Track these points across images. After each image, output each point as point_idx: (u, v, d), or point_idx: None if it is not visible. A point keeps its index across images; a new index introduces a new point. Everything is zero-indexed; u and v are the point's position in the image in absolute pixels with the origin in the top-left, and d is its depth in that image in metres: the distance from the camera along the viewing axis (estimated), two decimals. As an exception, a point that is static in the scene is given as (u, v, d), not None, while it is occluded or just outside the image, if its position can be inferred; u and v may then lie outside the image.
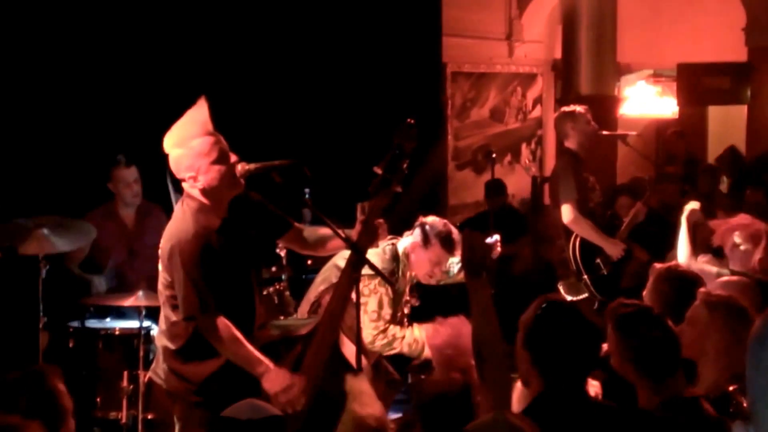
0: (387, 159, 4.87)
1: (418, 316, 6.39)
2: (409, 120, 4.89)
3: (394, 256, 6.09)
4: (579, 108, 7.73)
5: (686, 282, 5.03)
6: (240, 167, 4.93)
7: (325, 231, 5.16)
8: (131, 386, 6.61)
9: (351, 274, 4.89)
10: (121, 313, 6.91)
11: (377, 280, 5.92)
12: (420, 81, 10.19)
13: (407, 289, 6.31)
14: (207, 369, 4.90)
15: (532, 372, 3.65)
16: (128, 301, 6.68)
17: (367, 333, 5.88)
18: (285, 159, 5.12)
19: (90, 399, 6.75)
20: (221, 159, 4.80)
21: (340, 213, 5.40)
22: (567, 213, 7.45)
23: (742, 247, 6.14)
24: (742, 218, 6.39)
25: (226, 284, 4.80)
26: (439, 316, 5.23)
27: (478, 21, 11.43)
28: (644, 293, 5.21)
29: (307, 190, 6.47)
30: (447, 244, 6.08)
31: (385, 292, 6.02)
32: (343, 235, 5.00)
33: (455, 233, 6.14)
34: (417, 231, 6.16)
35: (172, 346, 4.96)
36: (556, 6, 11.54)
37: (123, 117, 7.70)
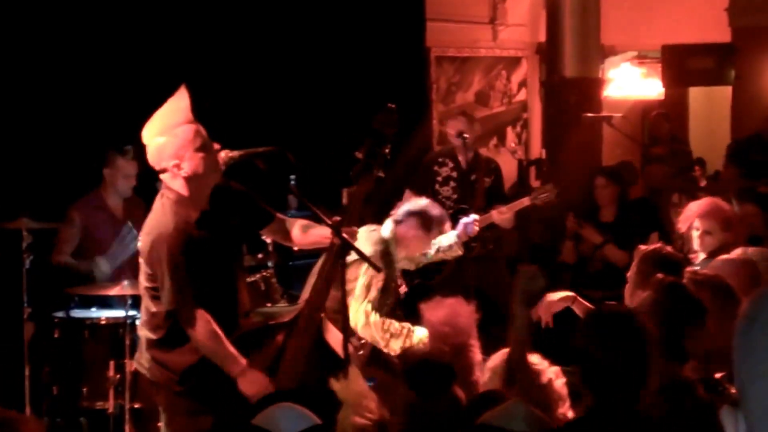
0: (368, 144, 4.86)
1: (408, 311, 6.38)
2: (389, 105, 4.87)
3: (381, 240, 6.08)
4: None
5: (671, 263, 5.02)
6: (224, 154, 4.94)
7: (306, 222, 5.14)
8: (118, 376, 6.59)
9: (335, 261, 4.88)
10: (106, 303, 6.89)
11: (365, 266, 5.90)
12: (404, 66, 10.17)
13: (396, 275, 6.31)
14: (189, 358, 4.89)
15: (583, 387, 3.53)
16: (113, 291, 6.66)
17: (354, 317, 5.86)
18: (269, 146, 5.11)
19: (76, 389, 6.73)
20: (204, 147, 4.80)
21: (325, 199, 5.38)
22: None
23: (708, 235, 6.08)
24: (705, 203, 6.31)
25: (207, 276, 4.79)
26: (438, 295, 5.25)
27: (462, 5, 11.40)
28: (628, 275, 5.20)
29: (292, 177, 6.47)
30: (425, 220, 6.17)
31: (375, 276, 6.00)
32: (328, 221, 5.00)
33: (434, 206, 6.28)
34: (409, 217, 6.20)
35: (153, 337, 4.96)
36: (540, -12, 11.52)
37: (103, 108, 7.68)
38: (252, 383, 4.69)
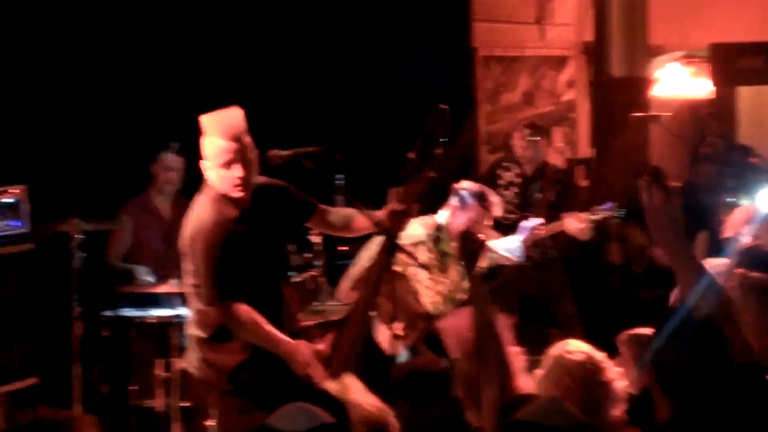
0: (419, 145, 4.86)
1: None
2: (441, 106, 4.86)
3: (435, 224, 6.35)
4: None
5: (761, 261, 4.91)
6: (272, 154, 5.03)
7: (350, 211, 5.16)
8: (166, 374, 6.63)
9: (384, 260, 4.90)
10: (155, 302, 6.94)
11: (421, 246, 6.09)
12: (451, 66, 10.15)
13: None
14: (237, 357, 4.90)
15: (661, 397, 3.48)
16: (162, 289, 6.71)
17: (428, 302, 6.03)
18: (317, 146, 5.14)
19: (125, 388, 6.78)
20: (227, 164, 4.80)
21: (373, 199, 5.39)
22: None
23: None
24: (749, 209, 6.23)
25: (247, 272, 4.81)
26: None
27: (509, 5, 11.36)
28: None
29: (340, 177, 6.50)
30: (483, 201, 6.46)
31: (433, 255, 6.19)
32: (376, 220, 5.05)
33: (489, 191, 6.60)
34: (452, 197, 6.48)
35: (202, 335, 4.98)
36: (587, -12, 11.47)
37: (156, 107, 7.73)
38: (301, 355, 4.78)
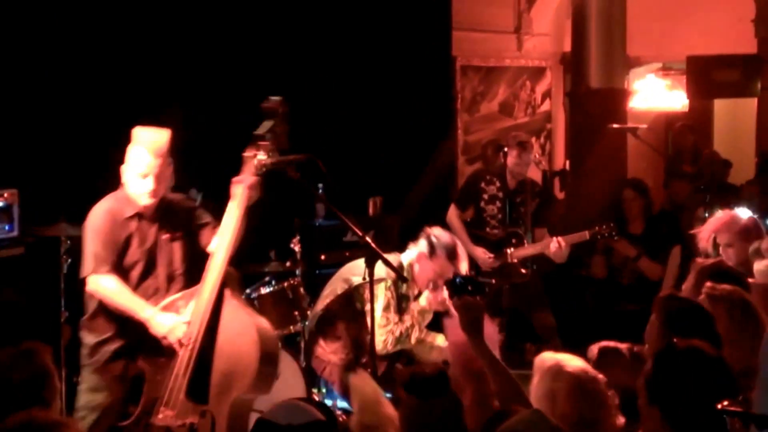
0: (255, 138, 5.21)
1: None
2: (271, 97, 5.33)
3: (400, 266, 6.11)
4: None
5: (730, 278, 4.93)
6: (256, 161, 5.14)
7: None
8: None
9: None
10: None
11: (382, 285, 6.00)
12: (430, 75, 10.16)
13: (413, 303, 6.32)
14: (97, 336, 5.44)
15: (665, 428, 3.39)
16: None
17: (379, 340, 5.95)
18: (298, 154, 5.19)
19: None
20: (144, 176, 5.28)
21: (353, 208, 5.41)
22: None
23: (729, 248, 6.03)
24: (721, 216, 6.26)
25: (128, 261, 5.34)
26: None
27: (488, 14, 11.39)
28: (684, 286, 5.16)
29: (320, 186, 6.49)
30: (451, 254, 6.16)
31: (392, 296, 6.10)
32: (359, 232, 5.20)
33: (459, 246, 6.30)
34: (423, 242, 6.24)
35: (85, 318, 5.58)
36: (565, -1, 11.50)
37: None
38: (161, 325, 5.15)
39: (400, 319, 6.15)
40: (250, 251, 7.44)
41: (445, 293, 5.79)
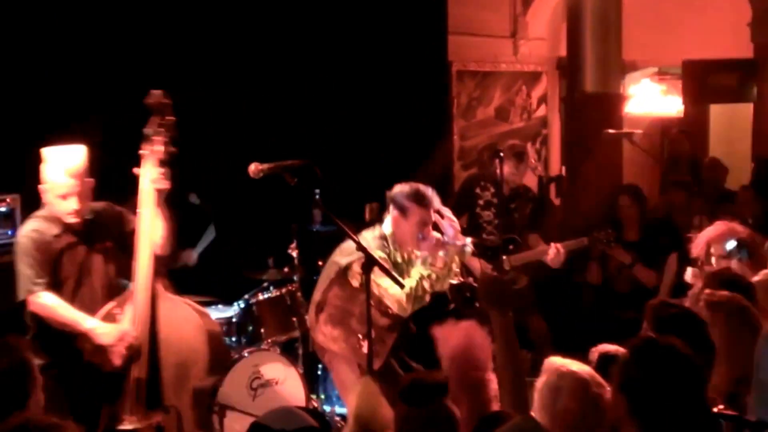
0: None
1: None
2: (153, 91, 5.31)
3: (382, 236, 6.08)
4: None
5: (737, 286, 4.91)
6: (253, 167, 5.15)
7: None
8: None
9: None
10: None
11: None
12: (426, 80, 10.15)
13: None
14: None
15: (630, 420, 3.41)
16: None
17: (393, 302, 5.90)
18: (295, 159, 5.20)
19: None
20: (64, 197, 5.33)
21: (349, 213, 5.41)
22: None
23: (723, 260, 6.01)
24: (718, 226, 6.24)
25: (63, 276, 5.36)
26: (452, 318, 5.19)
27: (483, 19, 11.38)
28: (690, 293, 5.14)
29: (317, 191, 6.48)
30: (420, 200, 6.03)
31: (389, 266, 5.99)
32: (354, 238, 5.32)
33: (421, 186, 6.11)
34: (390, 207, 6.13)
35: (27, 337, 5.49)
36: (560, 3, 11.49)
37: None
38: (106, 334, 5.16)
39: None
40: (248, 258, 7.49)
41: (441, 254, 5.94)
